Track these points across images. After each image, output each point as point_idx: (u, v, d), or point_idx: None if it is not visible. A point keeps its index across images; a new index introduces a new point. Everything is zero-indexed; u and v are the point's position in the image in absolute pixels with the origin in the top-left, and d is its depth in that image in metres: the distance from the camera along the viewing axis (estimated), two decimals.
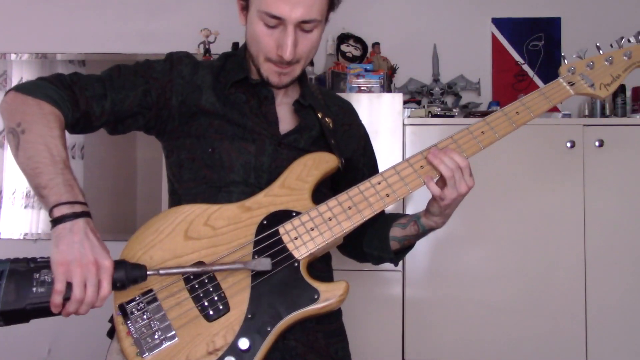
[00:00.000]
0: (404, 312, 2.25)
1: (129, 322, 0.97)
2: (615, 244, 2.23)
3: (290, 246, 1.04)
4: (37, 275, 0.89)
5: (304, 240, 1.05)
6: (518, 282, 2.24)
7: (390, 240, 1.20)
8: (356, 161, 1.27)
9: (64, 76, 1.10)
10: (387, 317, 2.23)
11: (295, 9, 1.02)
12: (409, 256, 2.25)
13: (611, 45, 1.24)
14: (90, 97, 1.09)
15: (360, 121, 1.32)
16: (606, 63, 1.22)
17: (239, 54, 1.20)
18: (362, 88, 2.36)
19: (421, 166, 1.10)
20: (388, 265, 2.25)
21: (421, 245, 2.25)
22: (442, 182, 1.09)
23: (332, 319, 1.16)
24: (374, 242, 1.22)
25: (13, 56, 2.89)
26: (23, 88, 1.04)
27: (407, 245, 1.22)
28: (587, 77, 1.21)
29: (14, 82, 2.88)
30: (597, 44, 1.23)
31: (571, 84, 1.20)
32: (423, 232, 1.18)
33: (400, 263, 2.24)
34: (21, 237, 2.83)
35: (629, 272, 2.23)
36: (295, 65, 1.11)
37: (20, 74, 2.89)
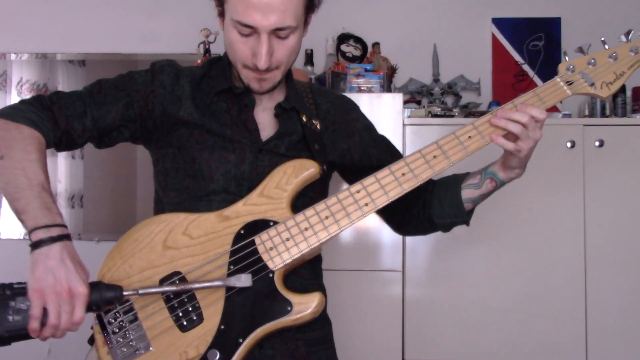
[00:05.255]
0: (404, 312, 2.24)
1: (105, 331, 0.99)
2: (615, 244, 2.23)
3: (265, 257, 1.03)
4: (13, 303, 0.91)
5: (279, 250, 1.04)
6: (518, 282, 2.24)
7: (464, 203, 1.17)
8: (360, 159, 1.24)
9: (44, 97, 1.11)
10: (387, 317, 2.23)
11: (268, 16, 1.00)
12: (409, 256, 2.26)
13: (619, 39, 1.15)
14: (71, 116, 1.10)
15: (357, 115, 1.28)
16: (610, 60, 1.14)
17: (224, 61, 1.19)
18: (362, 88, 2.36)
19: (402, 174, 1.08)
20: (388, 265, 2.27)
21: (421, 245, 2.27)
22: (511, 136, 1.08)
23: (315, 327, 1.14)
24: (446, 210, 1.18)
25: (13, 56, 2.89)
26: (3, 113, 1.06)
27: (478, 203, 1.20)
28: (587, 76, 1.13)
29: (14, 82, 2.88)
30: (603, 39, 1.16)
31: (569, 83, 1.13)
32: (502, 186, 1.17)
33: (400, 263, 2.26)
34: (21, 237, 2.83)
35: (629, 272, 2.22)
36: (275, 71, 1.09)
37: (20, 74, 2.88)
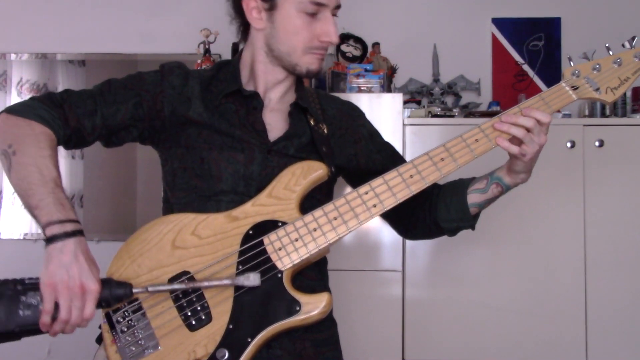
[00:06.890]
0: (404, 312, 2.24)
1: (114, 330, 0.99)
2: (615, 244, 2.23)
3: (274, 257, 1.04)
4: (24, 298, 0.92)
5: (287, 251, 1.04)
6: (518, 282, 2.24)
7: (470, 207, 1.17)
8: (365, 164, 1.26)
9: (55, 95, 1.12)
10: (387, 317, 2.23)
11: None
12: (409, 256, 2.26)
13: (623, 45, 1.16)
14: (81, 114, 1.11)
15: (362, 122, 1.30)
16: (614, 65, 1.16)
17: (234, 63, 1.20)
18: (362, 88, 2.36)
19: (410, 175, 1.09)
20: (388, 266, 2.27)
21: (421, 245, 2.27)
22: (516, 140, 1.08)
23: (323, 328, 1.15)
24: (452, 215, 1.19)
25: (13, 56, 2.89)
26: (14, 110, 1.06)
27: (484, 207, 1.21)
28: (592, 81, 1.15)
29: (14, 82, 2.88)
30: (607, 45, 1.17)
31: (574, 88, 1.14)
32: (507, 191, 1.17)
33: (400, 263, 2.26)
34: (21, 237, 2.83)
35: (629, 272, 2.22)
36: (325, 52, 1.17)
37: (20, 74, 2.88)
